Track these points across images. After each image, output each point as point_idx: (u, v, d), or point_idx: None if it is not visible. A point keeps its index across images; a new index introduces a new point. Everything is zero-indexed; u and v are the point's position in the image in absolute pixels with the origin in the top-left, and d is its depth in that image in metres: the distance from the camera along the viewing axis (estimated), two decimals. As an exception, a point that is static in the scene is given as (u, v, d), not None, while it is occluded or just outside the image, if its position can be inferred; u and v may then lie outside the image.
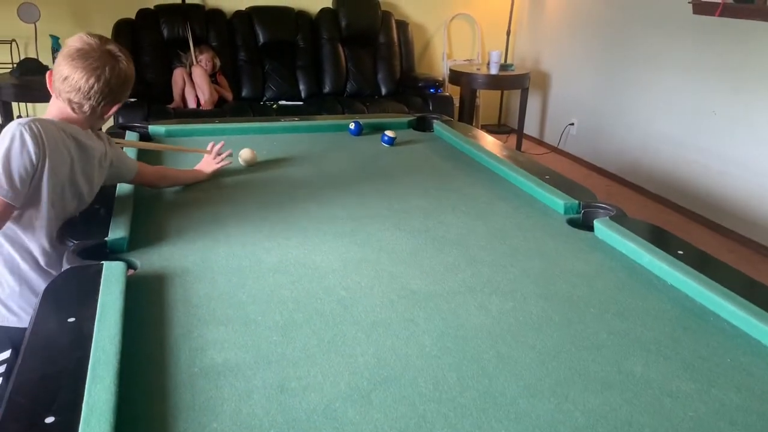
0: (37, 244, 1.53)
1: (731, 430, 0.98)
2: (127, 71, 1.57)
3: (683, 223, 4.12)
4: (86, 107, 1.53)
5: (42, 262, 1.55)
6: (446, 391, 1.04)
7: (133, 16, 4.72)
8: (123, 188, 1.78)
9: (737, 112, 3.82)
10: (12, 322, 1.53)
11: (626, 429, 0.97)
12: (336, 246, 1.59)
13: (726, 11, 3.75)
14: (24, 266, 1.53)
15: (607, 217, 1.72)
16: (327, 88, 5.07)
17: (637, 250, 1.54)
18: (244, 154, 2.19)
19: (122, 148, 1.93)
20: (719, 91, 3.92)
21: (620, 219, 1.71)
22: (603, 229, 1.67)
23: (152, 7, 4.76)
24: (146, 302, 1.28)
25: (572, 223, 1.78)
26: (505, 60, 5.68)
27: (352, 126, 2.62)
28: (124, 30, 4.67)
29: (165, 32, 4.71)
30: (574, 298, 1.38)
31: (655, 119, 4.44)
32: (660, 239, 1.61)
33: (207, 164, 2.06)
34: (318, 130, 2.69)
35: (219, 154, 2.10)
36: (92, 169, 1.62)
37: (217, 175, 2.06)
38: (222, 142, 2.12)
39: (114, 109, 1.60)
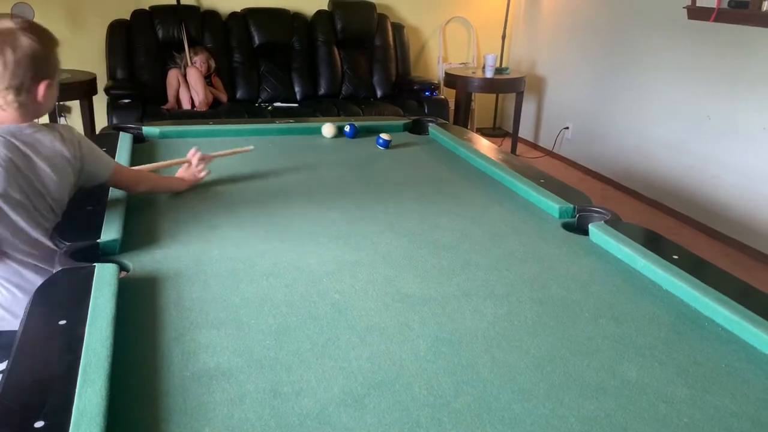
0: (16, 247, 1.51)
1: (726, 436, 0.98)
2: (32, 44, 1.44)
3: (678, 227, 4.13)
4: (9, 98, 1.44)
5: (36, 263, 1.53)
6: (441, 396, 1.04)
7: (127, 17, 4.71)
8: (115, 189, 1.77)
9: (731, 117, 3.84)
10: (15, 326, 1.52)
11: (621, 435, 0.97)
12: (330, 249, 1.58)
13: (720, 16, 3.76)
14: (22, 271, 1.52)
15: (602, 222, 1.72)
16: (322, 90, 5.07)
17: (631, 254, 1.54)
18: (328, 130, 2.61)
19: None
20: (714, 96, 3.94)
21: (615, 223, 1.71)
22: (598, 233, 1.67)
23: (147, 8, 4.75)
24: (138, 305, 1.27)
25: (567, 227, 1.78)
26: (501, 63, 5.68)
27: (347, 129, 2.62)
28: (118, 31, 4.66)
29: (160, 33, 4.69)
30: (569, 302, 1.37)
31: (650, 124, 4.45)
32: (655, 244, 1.61)
33: (188, 173, 1.96)
34: (313, 133, 2.68)
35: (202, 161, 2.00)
36: (37, 166, 1.51)
37: (210, 178, 2.04)
38: (202, 156, 2.00)
39: (42, 86, 1.49)
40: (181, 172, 1.96)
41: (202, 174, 1.97)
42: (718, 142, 3.93)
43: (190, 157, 1.99)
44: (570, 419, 1.00)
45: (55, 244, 1.52)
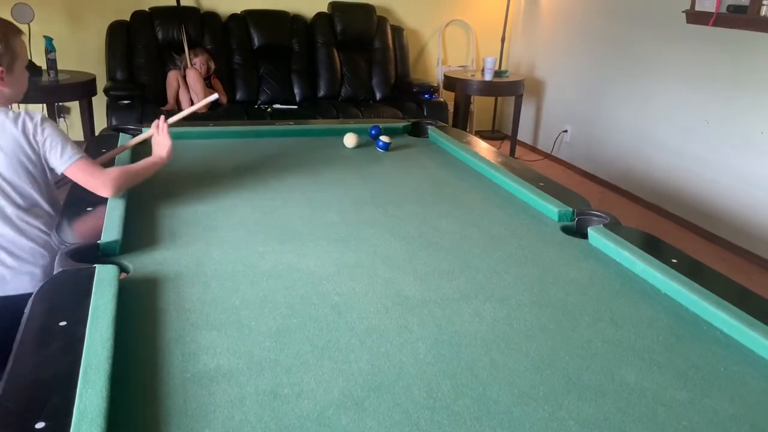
0: None
1: (724, 439, 0.98)
2: None
3: (677, 231, 4.14)
4: None
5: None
6: (440, 399, 1.04)
7: (127, 18, 4.71)
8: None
9: (730, 121, 3.85)
10: None
11: (620, 438, 0.97)
12: (330, 251, 1.58)
13: (719, 21, 3.78)
14: None
15: (601, 225, 1.73)
16: (322, 92, 5.07)
17: (630, 258, 1.54)
18: (350, 139, 2.43)
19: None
20: (712, 99, 3.95)
21: (614, 227, 1.71)
22: (597, 236, 1.67)
23: (147, 9, 4.75)
24: (138, 306, 1.27)
25: (566, 230, 1.78)
26: (500, 66, 5.70)
27: (373, 132, 2.62)
28: (118, 32, 4.66)
29: (160, 34, 4.70)
30: (568, 305, 1.38)
31: (649, 127, 4.46)
32: (653, 247, 1.61)
33: (160, 146, 1.94)
34: (313, 134, 2.68)
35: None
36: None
37: (211, 179, 2.05)
38: (157, 125, 2.00)
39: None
40: (154, 149, 1.96)
41: (168, 141, 1.94)
42: (717, 146, 3.94)
43: (154, 129, 2.00)
44: (569, 422, 1.00)
45: (24, 234, 1.68)
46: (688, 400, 1.07)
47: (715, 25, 3.80)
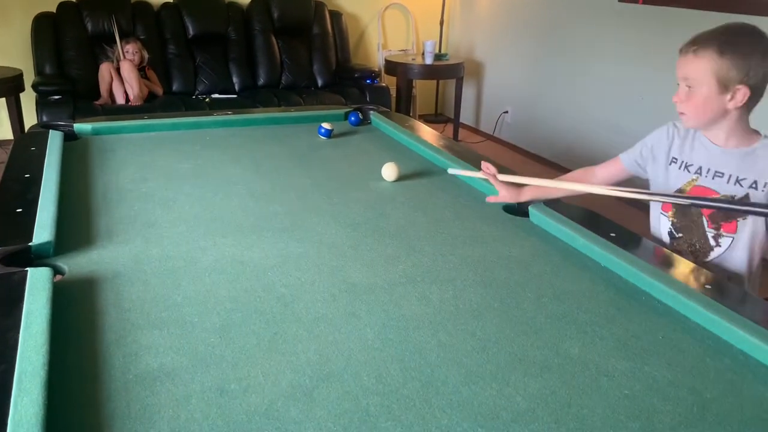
0: None
1: (664, 405, 1.02)
2: None
3: (617, 205, 4.25)
4: None
5: None
6: (389, 384, 1.04)
7: (53, 10, 4.52)
8: (47, 188, 1.70)
9: (663, 97, 3.96)
10: None
11: (566, 410, 0.99)
12: (275, 242, 1.56)
13: (649, -1, 3.88)
14: None
15: (542, 203, 1.76)
16: (261, 81, 4.99)
17: (571, 234, 1.58)
18: (390, 171, 2.01)
19: None
20: (645, 76, 4.06)
21: (554, 204, 1.74)
22: (538, 214, 1.70)
23: (74, 0, 4.57)
24: (75, 309, 1.22)
25: (508, 209, 1.80)
26: (440, 50, 5.71)
27: (352, 118, 2.65)
28: (44, 24, 4.47)
29: (89, 26, 4.53)
30: (512, 283, 1.40)
31: (587, 105, 4.56)
32: (593, 223, 1.65)
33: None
34: (253, 124, 2.64)
35: None
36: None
37: (148, 174, 1.99)
38: None
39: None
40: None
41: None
42: (652, 121, 4.05)
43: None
44: (516, 398, 1.02)
45: None
46: (629, 369, 1.11)
47: (644, 3, 3.90)
